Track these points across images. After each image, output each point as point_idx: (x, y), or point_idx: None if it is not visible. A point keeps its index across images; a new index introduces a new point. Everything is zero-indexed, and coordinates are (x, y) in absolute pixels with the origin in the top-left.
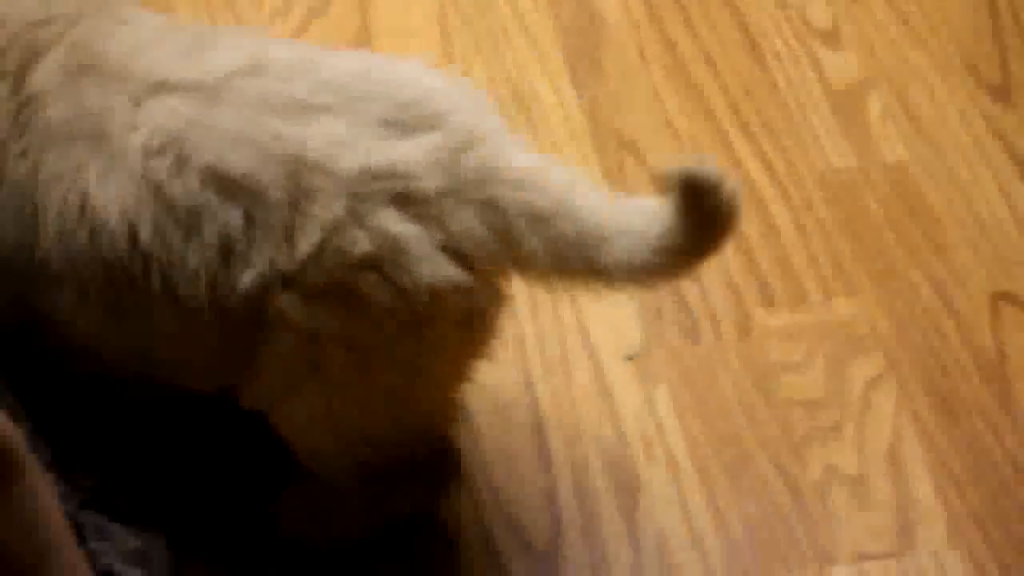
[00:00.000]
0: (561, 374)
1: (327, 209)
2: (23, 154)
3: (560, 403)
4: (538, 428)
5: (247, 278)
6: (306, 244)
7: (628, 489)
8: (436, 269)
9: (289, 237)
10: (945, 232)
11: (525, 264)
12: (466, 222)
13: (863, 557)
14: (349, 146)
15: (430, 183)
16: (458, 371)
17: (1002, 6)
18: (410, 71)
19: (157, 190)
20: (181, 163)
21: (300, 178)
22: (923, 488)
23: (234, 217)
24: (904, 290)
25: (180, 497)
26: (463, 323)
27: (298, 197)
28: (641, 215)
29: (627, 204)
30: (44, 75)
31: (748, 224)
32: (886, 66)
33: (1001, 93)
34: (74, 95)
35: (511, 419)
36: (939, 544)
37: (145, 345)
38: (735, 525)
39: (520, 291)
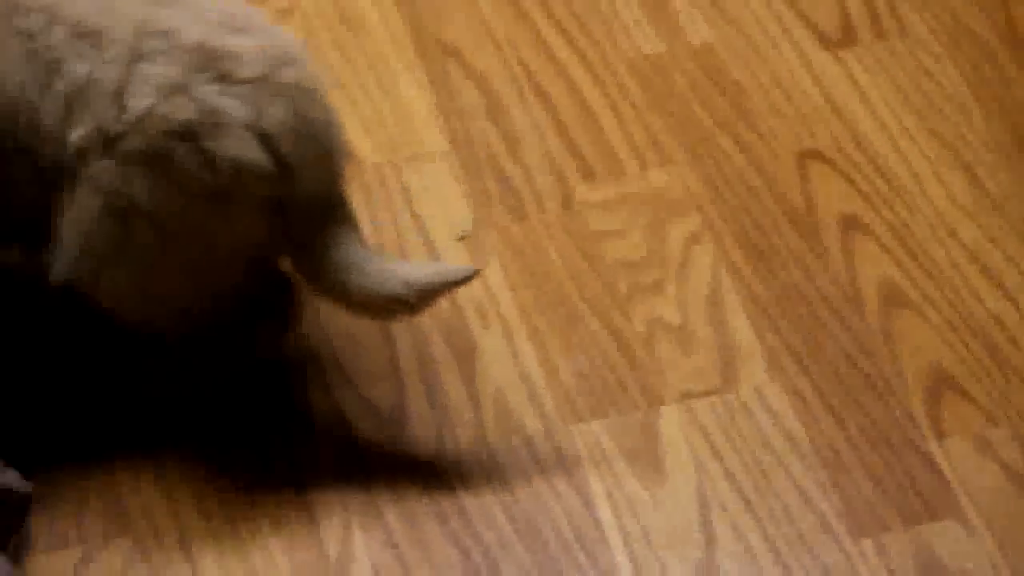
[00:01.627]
0: (398, 255)
1: (163, 73)
2: None
3: None
4: None
5: (75, 135)
6: (136, 105)
7: (465, 353)
8: (243, 147)
9: (120, 97)
10: (751, 101)
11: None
12: (276, 113)
13: (689, 396)
14: (191, 25)
15: (253, 70)
16: (260, 254)
17: None
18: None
19: (30, 44)
20: (52, 20)
21: (145, 40)
22: (742, 330)
23: (80, 71)
24: (716, 156)
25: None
26: (263, 209)
27: (139, 56)
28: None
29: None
30: None
31: (565, 110)
32: None
33: None
34: None
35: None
36: (760, 379)
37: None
38: (568, 377)
39: (354, 181)
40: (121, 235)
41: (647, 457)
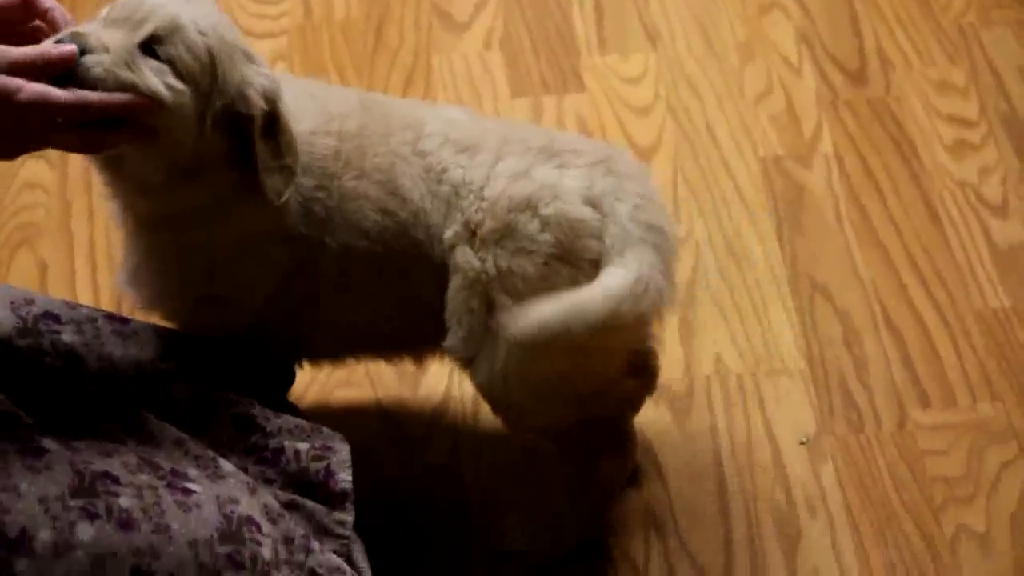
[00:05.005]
0: (745, 453)
1: (513, 165)
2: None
3: (741, 474)
4: (722, 491)
5: (449, 233)
6: (491, 193)
7: (790, 538)
8: (571, 207)
9: (481, 191)
10: None
11: None
12: (606, 184)
13: None
14: (542, 135)
15: (590, 158)
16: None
17: None
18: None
19: (426, 160)
20: (444, 141)
21: (505, 146)
22: None
23: (457, 175)
24: None
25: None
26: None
27: (499, 158)
28: None
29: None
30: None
31: (912, 345)
32: None
33: None
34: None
35: (702, 484)
36: None
37: (393, 305)
38: (878, 567)
39: (718, 389)
40: (492, 315)
41: None
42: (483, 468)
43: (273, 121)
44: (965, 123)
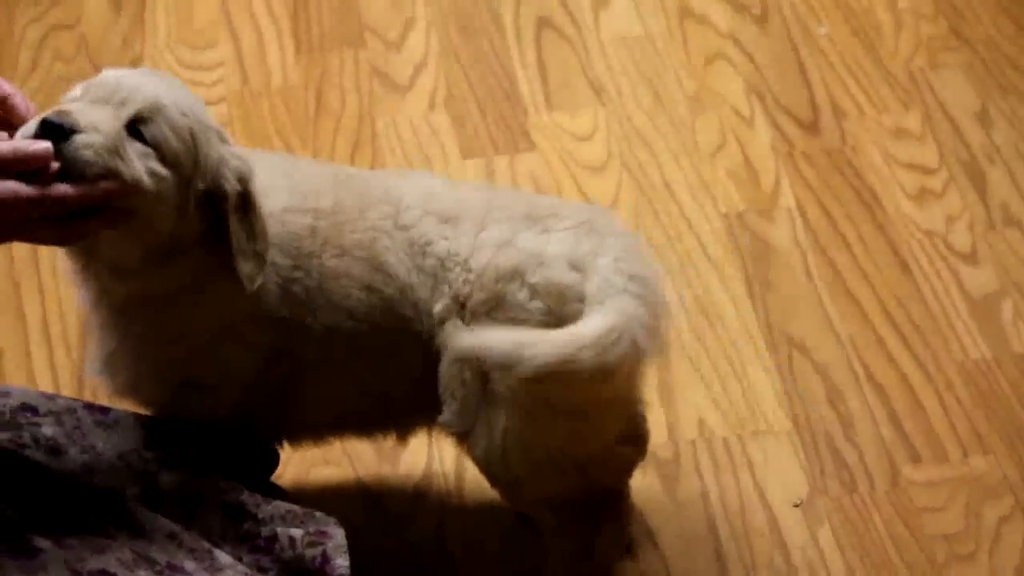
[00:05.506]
0: (739, 518)
1: (497, 235)
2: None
3: (738, 540)
4: (720, 559)
5: (439, 307)
6: (477, 264)
7: None
8: (558, 273)
9: (467, 263)
10: None
11: None
12: (590, 246)
13: None
14: (522, 201)
15: (572, 221)
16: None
17: None
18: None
19: (408, 234)
20: (424, 212)
21: (488, 214)
22: None
23: (442, 248)
24: None
25: None
26: None
27: (483, 227)
28: None
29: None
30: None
31: (897, 401)
32: (1016, 278)
33: None
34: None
35: (698, 553)
36: None
37: (381, 384)
38: None
39: (705, 454)
40: (486, 388)
41: None
42: (471, 544)
43: (246, 203)
44: (925, 170)
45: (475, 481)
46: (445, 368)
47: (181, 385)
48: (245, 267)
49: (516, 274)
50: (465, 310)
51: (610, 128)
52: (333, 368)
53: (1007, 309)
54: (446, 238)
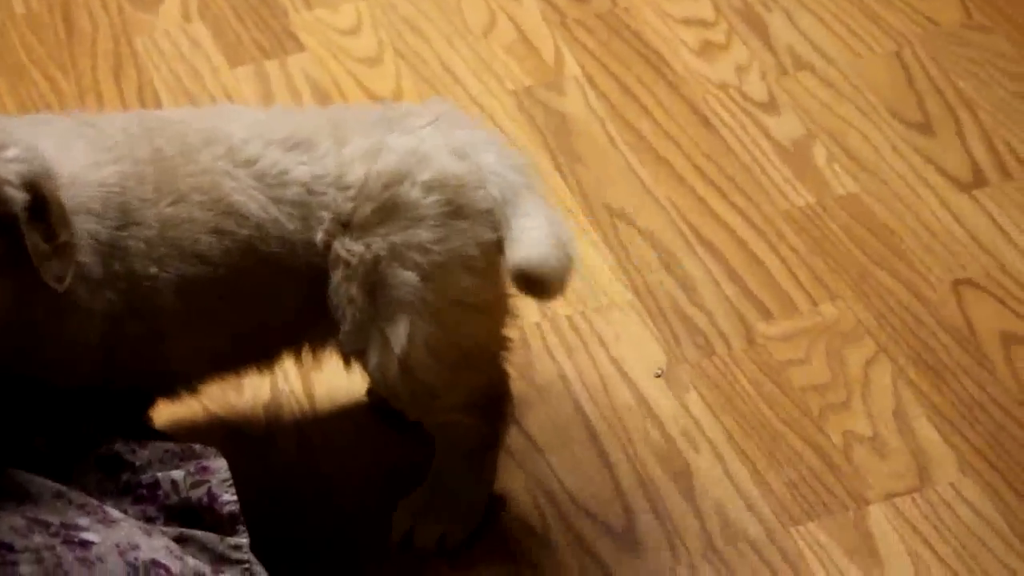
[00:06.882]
0: (604, 395)
1: (363, 145)
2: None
3: (608, 417)
4: (594, 439)
5: (320, 233)
6: (354, 178)
7: (682, 474)
8: (446, 162)
9: (339, 180)
10: (902, 242)
11: None
12: (461, 136)
13: (892, 495)
14: (370, 111)
15: (429, 117)
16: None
17: (908, 59)
18: None
19: (256, 167)
20: (267, 144)
21: (340, 129)
22: (930, 437)
23: (303, 174)
24: (878, 290)
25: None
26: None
27: (342, 142)
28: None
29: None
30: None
31: (733, 258)
32: (821, 122)
33: (923, 128)
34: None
35: (570, 436)
36: (954, 477)
37: (253, 324)
38: (780, 489)
39: (553, 336)
40: (376, 301)
41: (864, 550)
42: (333, 452)
43: (40, 204)
44: (703, 23)
45: (325, 390)
46: (334, 289)
47: (31, 361)
48: (49, 269)
49: (402, 175)
50: (350, 227)
51: (375, 18)
52: (195, 316)
53: (819, 154)
54: (304, 163)
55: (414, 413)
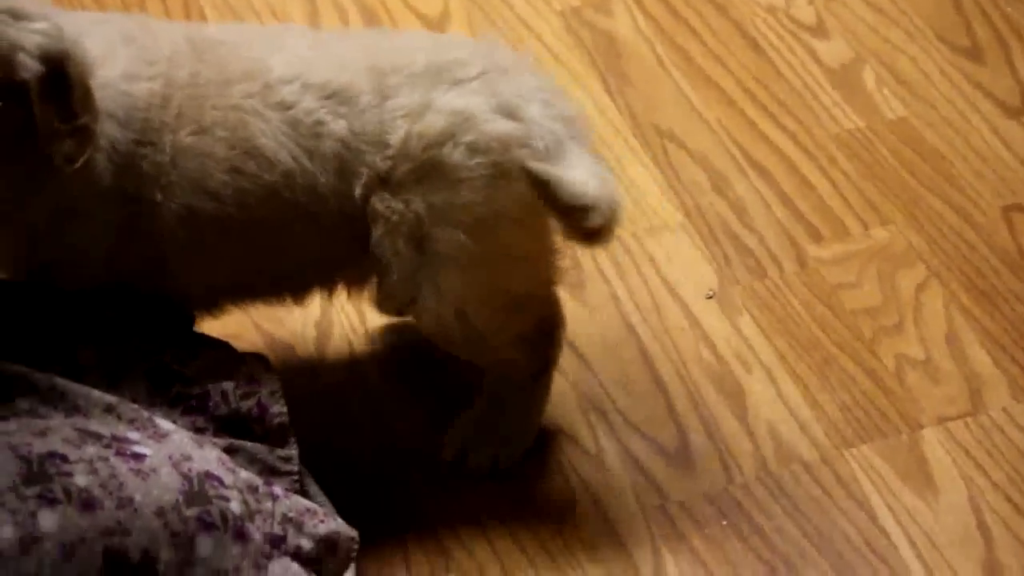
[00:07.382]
0: (655, 317)
1: (407, 102)
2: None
3: (660, 339)
4: (647, 360)
5: (358, 190)
6: (395, 138)
7: (735, 396)
8: (492, 123)
9: (381, 138)
10: (952, 166)
11: None
12: (509, 90)
13: (945, 419)
14: (415, 54)
15: (475, 67)
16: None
17: None
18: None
19: (290, 113)
20: (304, 89)
21: (383, 80)
22: (982, 361)
23: (341, 128)
24: (929, 214)
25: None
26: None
27: (385, 96)
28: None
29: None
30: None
31: (784, 181)
32: (870, 46)
33: (972, 54)
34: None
35: (622, 357)
36: (1006, 402)
37: (269, 263)
38: (833, 410)
39: (604, 257)
40: (424, 254)
41: (918, 473)
42: (386, 372)
43: (58, 80)
44: None
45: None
46: (376, 243)
47: (39, 266)
48: (60, 147)
49: (446, 137)
50: (389, 184)
51: None
52: (199, 247)
53: (869, 78)
54: (342, 116)
55: (467, 355)
